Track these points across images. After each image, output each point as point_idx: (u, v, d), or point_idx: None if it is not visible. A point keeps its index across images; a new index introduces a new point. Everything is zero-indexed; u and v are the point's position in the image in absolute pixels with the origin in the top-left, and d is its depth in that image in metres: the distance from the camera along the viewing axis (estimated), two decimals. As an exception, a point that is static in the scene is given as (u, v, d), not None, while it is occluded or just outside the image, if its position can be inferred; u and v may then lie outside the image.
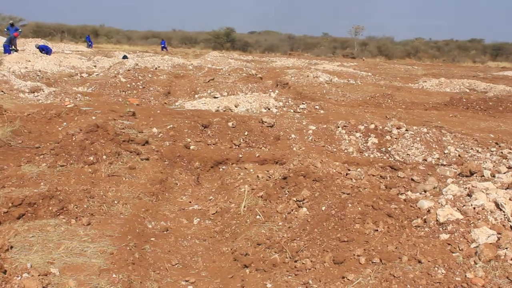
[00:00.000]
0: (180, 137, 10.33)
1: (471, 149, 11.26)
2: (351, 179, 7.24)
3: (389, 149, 11.01)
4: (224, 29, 77.75)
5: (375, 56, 71.75)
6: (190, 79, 22.71)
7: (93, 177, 7.74)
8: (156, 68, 25.04)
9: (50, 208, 6.38)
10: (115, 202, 6.97)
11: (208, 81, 20.66)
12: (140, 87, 18.49)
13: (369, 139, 11.30)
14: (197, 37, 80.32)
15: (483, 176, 7.08)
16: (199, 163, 9.55)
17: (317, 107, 14.93)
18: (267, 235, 6.07)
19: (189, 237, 6.70)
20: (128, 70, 21.71)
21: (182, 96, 18.56)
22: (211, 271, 5.74)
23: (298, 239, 5.70)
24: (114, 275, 4.89)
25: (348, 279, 4.79)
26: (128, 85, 18.40)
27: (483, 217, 5.41)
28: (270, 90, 19.13)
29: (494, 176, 6.94)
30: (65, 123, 10.57)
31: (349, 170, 7.87)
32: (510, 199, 5.69)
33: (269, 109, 14.44)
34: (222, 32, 77.20)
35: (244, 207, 7.04)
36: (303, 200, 6.61)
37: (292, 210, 6.54)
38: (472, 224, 5.30)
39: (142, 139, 9.64)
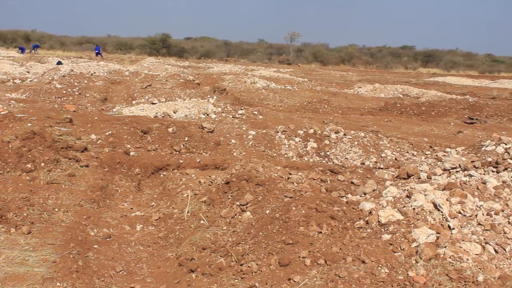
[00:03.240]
0: (119, 143, 10.20)
1: (407, 152, 11.57)
2: (293, 183, 7.35)
3: (328, 153, 11.19)
4: (159, 35, 77.15)
5: (311, 62, 72.78)
6: (127, 85, 22.49)
7: (32, 185, 7.57)
8: (92, 74, 24.67)
9: (-12, 217, 6.22)
10: (56, 209, 6.85)
11: (146, 87, 20.51)
12: (76, 93, 18.19)
13: (308, 143, 11.44)
14: (133, 43, 79.45)
15: (420, 178, 7.29)
16: (139, 169, 9.47)
17: (256, 112, 15.03)
18: (212, 240, 6.09)
19: (133, 243, 6.64)
20: (63, 76, 21.31)
21: (119, 102, 18.35)
22: (156, 277, 5.71)
23: (243, 242, 5.74)
24: (58, 284, 4.82)
25: (294, 281, 4.86)
26: (64, 91, 18.07)
27: (423, 218, 5.59)
28: (209, 96, 19.14)
29: (430, 178, 7.16)
30: (-1, 130, 10.30)
31: (290, 174, 7.98)
32: (447, 200, 5.89)
33: (208, 115, 14.44)
34: (158, 38, 76.55)
35: (188, 212, 7.04)
36: (247, 204, 6.67)
37: (236, 214, 6.59)
38: (412, 224, 5.47)
39: (80, 146, 9.49)
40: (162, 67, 32.89)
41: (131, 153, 9.82)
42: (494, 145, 8.50)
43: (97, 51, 55.50)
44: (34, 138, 8.78)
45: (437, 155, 9.94)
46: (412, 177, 7.53)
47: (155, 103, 16.37)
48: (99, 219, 7.21)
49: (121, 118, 12.10)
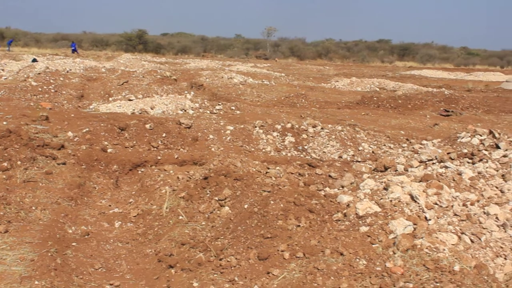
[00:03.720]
0: (96, 140, 10.15)
1: (384, 145, 11.67)
2: (271, 177, 7.36)
3: (306, 147, 11.23)
4: (136, 31, 76.73)
5: (288, 57, 72.98)
6: (104, 82, 22.31)
7: (8, 183, 7.49)
8: (67, 71, 24.43)
9: (-36, 216, 6.16)
10: (33, 208, 6.79)
11: (122, 84, 20.40)
12: (52, 90, 18.02)
13: (286, 138, 11.47)
14: (109, 39, 78.83)
15: (397, 170, 7.36)
16: (117, 166, 9.43)
17: (233, 107, 15.04)
18: (191, 235, 6.10)
19: (111, 240, 6.62)
20: (39, 73, 21.11)
21: (96, 99, 18.21)
22: (135, 274, 5.71)
23: (222, 237, 5.76)
24: (36, 282, 4.79)
25: (274, 274, 4.89)
26: (40, 89, 17.89)
27: (400, 209, 5.65)
28: (186, 92, 19.11)
29: (407, 170, 7.24)
30: (-26, 129, 10.20)
31: (268, 168, 8.00)
32: (423, 191, 5.96)
33: (185, 110, 14.41)
34: (134, 34, 76.15)
35: (166, 208, 7.04)
36: (225, 199, 6.68)
37: (214, 210, 6.59)
38: (389, 216, 5.52)
39: (57, 144, 9.42)
40: (138, 64, 32.69)
41: (109, 150, 9.78)
42: (470, 136, 8.59)
43: (73, 48, 55.01)
44: (10, 136, 8.71)
45: (413, 148, 10.05)
46: (389, 170, 7.61)
47: (132, 100, 16.31)
48: (77, 217, 7.17)
49: (98, 115, 12.04)
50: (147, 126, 10.89)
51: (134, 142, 10.38)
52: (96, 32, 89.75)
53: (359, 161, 10.30)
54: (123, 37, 76.55)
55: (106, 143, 10.09)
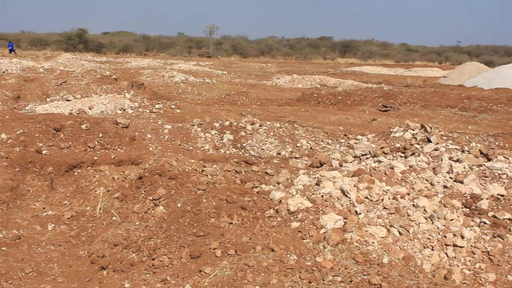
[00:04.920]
0: (31, 142, 9.95)
1: (322, 141, 11.80)
2: (207, 175, 7.36)
3: (244, 144, 11.27)
4: (76, 30, 75.50)
5: (231, 55, 73.11)
6: (41, 82, 21.86)
7: None
8: (4, 72, 23.86)
9: None
10: (-38, 213, 6.63)
11: (61, 84, 20.04)
12: (-14, 92, 17.58)
13: (224, 136, 11.48)
14: (48, 39, 77.36)
15: (332, 166, 7.46)
16: (52, 168, 9.26)
17: (173, 106, 14.96)
18: (124, 236, 6.05)
19: (44, 243, 6.50)
20: (-28, 74, 20.58)
21: (33, 100, 17.82)
22: (67, 276, 5.62)
23: (155, 237, 5.74)
24: (-38, 289, 4.68)
25: (205, 272, 4.89)
26: (-27, 91, 17.43)
27: (331, 204, 5.74)
28: (125, 91, 18.88)
29: (341, 166, 7.35)
30: None
31: (204, 167, 7.99)
32: (354, 186, 6.07)
33: (124, 110, 14.26)
34: (74, 33, 74.91)
35: (100, 209, 6.95)
36: (159, 198, 6.65)
37: (148, 209, 6.56)
38: (320, 211, 5.60)
39: (-11, 146, 9.21)
40: (78, 63, 32.18)
41: (44, 152, 9.60)
42: (402, 131, 8.77)
43: (10, 48, 53.65)
44: None
45: (349, 143, 10.21)
46: (324, 165, 7.70)
47: (70, 100, 16.04)
48: (9, 221, 7.01)
49: (34, 116, 11.80)
50: (83, 126, 10.73)
51: (70, 143, 10.22)
52: (35, 32, 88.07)
53: (296, 158, 10.40)
54: (63, 36, 75.23)
55: (40, 144, 9.90)
